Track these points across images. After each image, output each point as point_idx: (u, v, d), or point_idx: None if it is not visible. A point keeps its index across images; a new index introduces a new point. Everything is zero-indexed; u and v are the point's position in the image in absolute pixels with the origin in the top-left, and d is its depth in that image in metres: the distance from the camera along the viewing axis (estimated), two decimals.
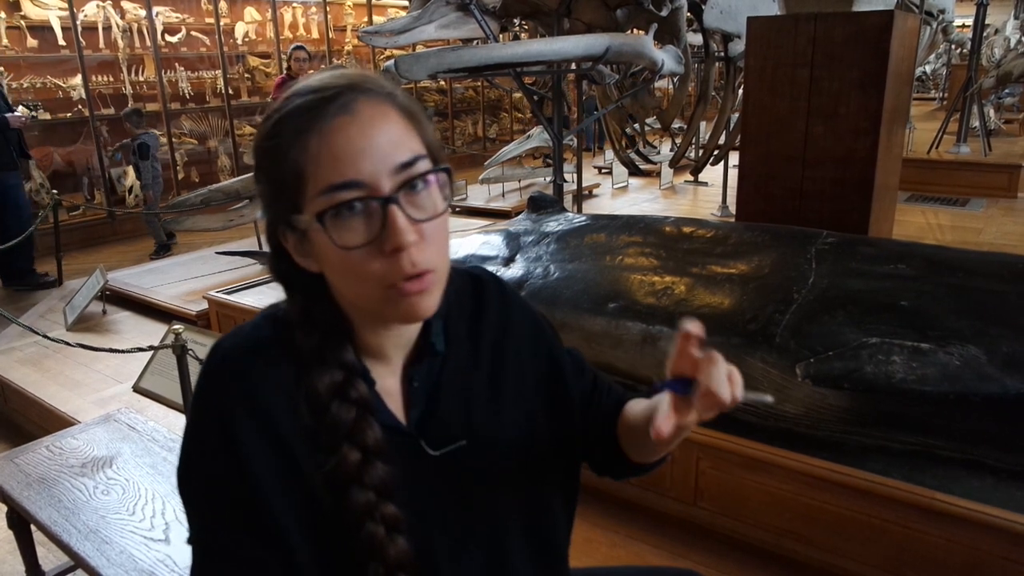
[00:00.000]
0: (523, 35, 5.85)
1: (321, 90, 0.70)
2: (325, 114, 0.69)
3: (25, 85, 6.40)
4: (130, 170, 6.73)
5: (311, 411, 0.73)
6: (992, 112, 8.32)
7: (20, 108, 5.14)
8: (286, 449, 0.73)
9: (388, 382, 0.81)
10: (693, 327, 0.70)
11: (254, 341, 0.77)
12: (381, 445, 0.74)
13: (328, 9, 8.77)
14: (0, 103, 4.85)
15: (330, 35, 8.85)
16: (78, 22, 6.49)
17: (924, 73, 14.76)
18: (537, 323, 0.95)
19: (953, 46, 11.79)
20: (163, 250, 6.05)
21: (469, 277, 0.92)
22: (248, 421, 0.72)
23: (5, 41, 6.29)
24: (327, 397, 0.73)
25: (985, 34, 8.64)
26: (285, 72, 6.57)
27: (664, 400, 0.72)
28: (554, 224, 2.83)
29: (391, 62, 3.24)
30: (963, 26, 11.95)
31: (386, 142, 0.70)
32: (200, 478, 0.75)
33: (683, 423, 0.71)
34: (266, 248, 0.79)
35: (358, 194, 0.68)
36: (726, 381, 0.69)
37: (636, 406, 0.92)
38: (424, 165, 0.72)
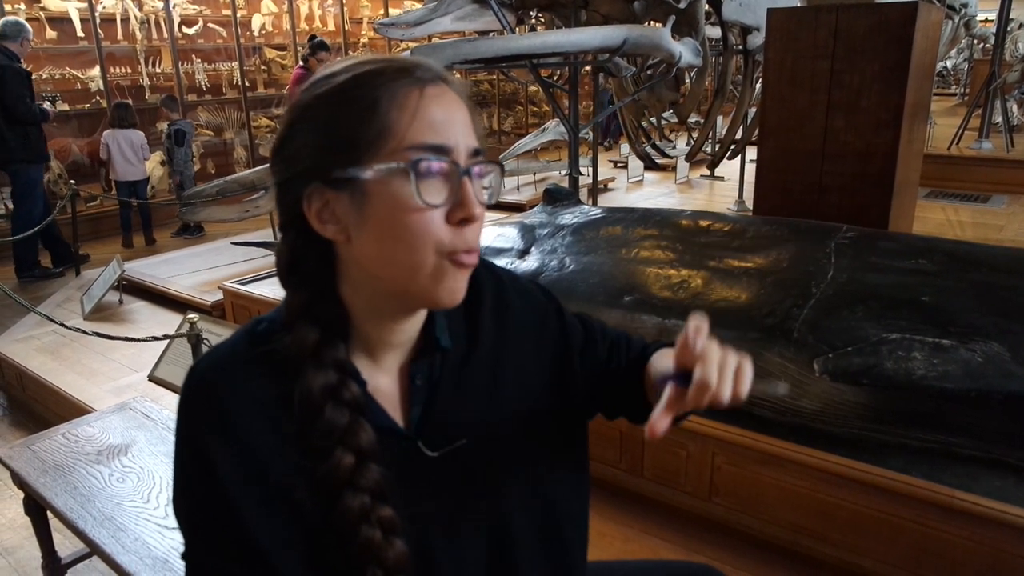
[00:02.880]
0: (539, 27, 5.82)
1: (406, 61, 0.73)
2: (424, 79, 0.71)
3: (44, 76, 6.45)
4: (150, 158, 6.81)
5: (303, 414, 0.71)
6: (1015, 107, 8.20)
7: (46, 103, 5.21)
8: (265, 466, 0.71)
9: (381, 381, 0.79)
10: (697, 323, 0.72)
11: (230, 359, 0.76)
12: (374, 447, 0.72)
13: (344, 1, 8.78)
14: (30, 97, 4.93)
15: (346, 27, 8.86)
16: (96, 13, 6.54)
17: (945, 68, 14.59)
18: (540, 307, 0.92)
19: (975, 40, 11.63)
20: (189, 231, 6.17)
21: (524, 289, 0.92)
22: (222, 442, 0.71)
23: None
24: (321, 399, 0.71)
25: (1009, 28, 8.50)
26: (301, 65, 6.56)
27: (664, 395, 0.73)
28: (570, 217, 2.81)
29: (406, 53, 3.23)
30: (986, 20, 11.79)
31: (464, 123, 0.73)
32: (183, 498, 0.75)
33: (680, 414, 0.73)
34: (283, 230, 0.77)
35: (446, 158, 0.70)
36: (722, 375, 0.71)
37: (660, 361, 0.90)
38: (483, 158, 0.75)
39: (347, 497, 0.70)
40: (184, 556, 0.75)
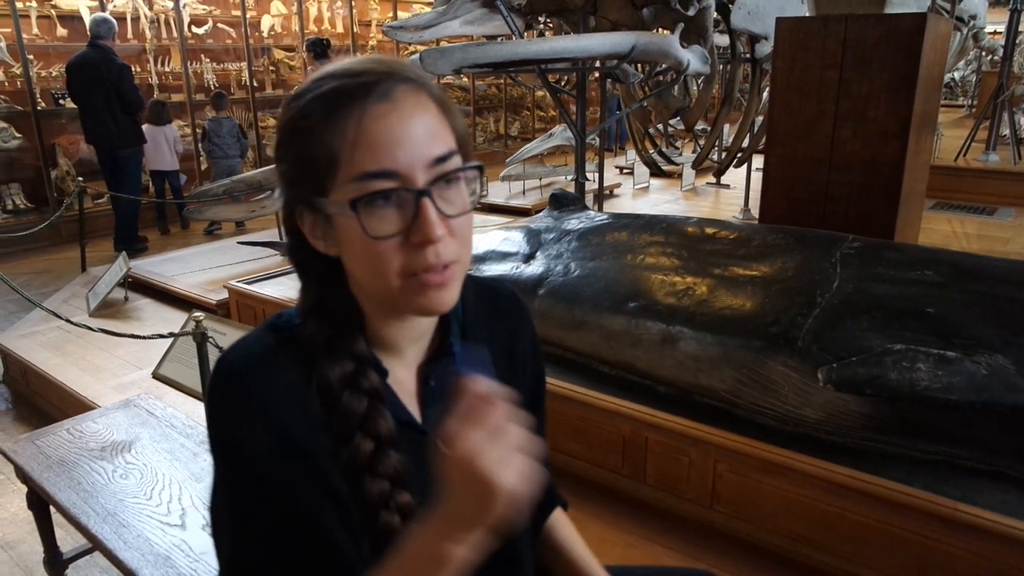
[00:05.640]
0: (548, 32, 5.83)
1: (361, 74, 0.70)
2: (365, 99, 0.68)
3: (54, 74, 6.48)
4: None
5: (323, 402, 0.72)
6: (1023, 120, 8.17)
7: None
8: (303, 453, 0.72)
9: (401, 375, 0.80)
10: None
11: (257, 352, 0.76)
12: (394, 434, 0.74)
13: (353, 3, 8.80)
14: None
15: (355, 29, 8.88)
16: (107, 12, 6.56)
17: (952, 80, 14.56)
18: (538, 346, 0.98)
19: (984, 52, 11.62)
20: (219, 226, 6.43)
21: (488, 287, 0.94)
22: (259, 429, 0.72)
23: (36, 30, 6.38)
24: (338, 387, 0.73)
25: (1018, 40, 8.49)
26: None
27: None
28: (575, 222, 2.82)
29: (415, 56, 3.24)
30: (995, 32, 11.77)
31: (423, 133, 0.69)
32: (224, 492, 0.75)
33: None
34: (286, 237, 0.79)
35: (393, 184, 0.68)
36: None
37: (558, 533, 1.01)
38: (457, 161, 0.72)
39: (367, 482, 0.72)
40: (229, 559, 0.74)
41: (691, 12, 4.11)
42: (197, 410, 2.39)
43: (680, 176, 7.42)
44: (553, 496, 1.05)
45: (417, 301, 0.71)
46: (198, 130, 7.22)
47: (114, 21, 5.66)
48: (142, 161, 5.93)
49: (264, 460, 0.71)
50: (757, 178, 4.30)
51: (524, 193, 7.04)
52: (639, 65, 4.64)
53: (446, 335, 0.83)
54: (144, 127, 5.99)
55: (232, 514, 0.74)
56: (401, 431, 0.75)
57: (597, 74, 5.08)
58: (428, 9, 4.85)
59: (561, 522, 1.04)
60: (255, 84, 7.83)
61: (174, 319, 3.77)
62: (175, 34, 7.15)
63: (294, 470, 0.71)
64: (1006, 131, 7.15)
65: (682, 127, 5.41)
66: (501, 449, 0.60)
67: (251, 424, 0.72)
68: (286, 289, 3.57)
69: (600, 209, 4.68)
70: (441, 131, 0.71)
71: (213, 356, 2.15)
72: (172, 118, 6.41)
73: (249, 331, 0.81)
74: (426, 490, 0.77)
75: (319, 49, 6.31)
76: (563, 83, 5.85)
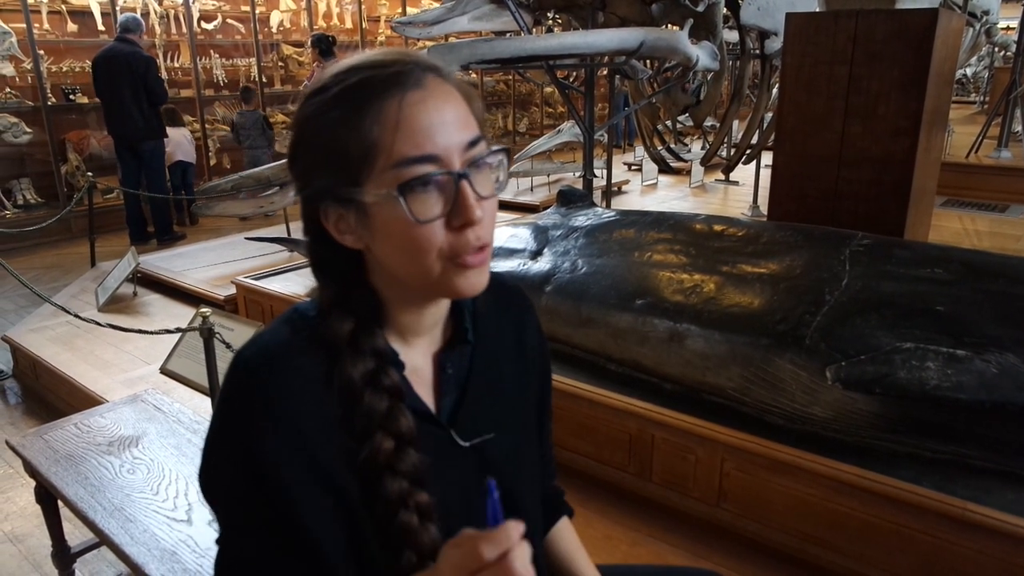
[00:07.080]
0: (556, 28, 5.83)
1: (391, 64, 0.70)
2: (403, 87, 0.69)
3: (64, 69, 6.51)
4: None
5: (344, 400, 0.73)
6: None
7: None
8: (313, 449, 0.72)
9: (418, 362, 0.81)
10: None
11: (275, 347, 0.76)
12: (413, 433, 0.74)
13: None
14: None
15: (363, 25, 8.88)
16: (117, 7, 6.59)
17: (964, 76, 14.46)
18: (544, 341, 0.99)
19: (996, 48, 11.53)
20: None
21: (493, 279, 0.94)
22: (272, 427, 0.71)
23: (46, 25, 6.40)
24: (360, 386, 0.73)
25: None
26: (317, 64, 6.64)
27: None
28: (583, 218, 2.81)
29: (424, 52, 3.23)
30: (1007, 28, 11.67)
31: (454, 119, 0.71)
32: (225, 486, 0.75)
33: None
34: (296, 235, 0.79)
35: (434, 168, 0.69)
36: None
37: (562, 543, 1.03)
38: (484, 146, 0.73)
39: (387, 481, 0.72)
40: (219, 540, 0.76)
41: (700, 8, 4.10)
42: (204, 405, 2.40)
43: (688, 173, 7.39)
44: (561, 504, 1.05)
45: (456, 283, 0.73)
46: (216, 125, 7.28)
47: (141, 19, 5.85)
48: (164, 155, 6.09)
49: (273, 455, 0.71)
50: (766, 175, 4.28)
51: (532, 189, 7.03)
52: (648, 61, 4.62)
53: (460, 322, 0.84)
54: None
55: (227, 498, 0.74)
56: (418, 423, 0.75)
57: (605, 70, 5.06)
58: (437, 5, 4.84)
59: (565, 532, 1.04)
60: (264, 80, 7.84)
61: (182, 314, 3.78)
62: (184, 30, 7.17)
63: (299, 471, 0.71)
64: (1018, 127, 7.10)
65: (691, 123, 5.39)
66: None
67: (265, 419, 0.72)
68: (293, 285, 3.58)
69: (608, 206, 4.67)
70: (467, 118, 0.73)
71: (220, 352, 2.15)
72: (185, 121, 6.76)
73: (265, 327, 0.82)
74: (438, 480, 0.77)
75: (324, 45, 6.30)
76: (571, 79, 5.83)
